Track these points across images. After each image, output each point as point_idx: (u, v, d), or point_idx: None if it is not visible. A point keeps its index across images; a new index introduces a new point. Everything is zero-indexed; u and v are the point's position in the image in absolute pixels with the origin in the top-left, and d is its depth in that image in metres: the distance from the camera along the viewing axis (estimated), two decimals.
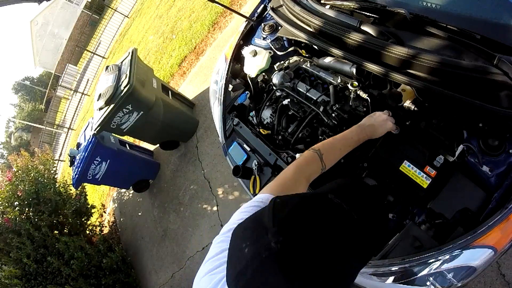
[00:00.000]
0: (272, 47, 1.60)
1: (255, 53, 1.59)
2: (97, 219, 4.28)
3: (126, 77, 2.74)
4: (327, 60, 1.37)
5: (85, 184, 3.78)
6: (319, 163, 0.86)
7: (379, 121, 1.01)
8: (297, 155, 1.23)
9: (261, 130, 1.50)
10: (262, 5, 1.82)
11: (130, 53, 2.96)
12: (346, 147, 0.94)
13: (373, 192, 0.61)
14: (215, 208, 2.94)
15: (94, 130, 2.87)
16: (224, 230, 0.64)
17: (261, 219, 0.47)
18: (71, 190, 3.78)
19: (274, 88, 1.48)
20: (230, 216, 0.70)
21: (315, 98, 1.31)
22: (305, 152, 0.89)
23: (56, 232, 3.30)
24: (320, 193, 0.52)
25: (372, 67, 1.07)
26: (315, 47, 1.36)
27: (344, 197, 0.51)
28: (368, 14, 1.22)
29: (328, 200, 0.48)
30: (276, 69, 1.54)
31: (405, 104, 1.13)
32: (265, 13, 1.80)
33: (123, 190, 4.42)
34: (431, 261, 0.90)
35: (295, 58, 1.55)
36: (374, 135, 1.00)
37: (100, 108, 2.79)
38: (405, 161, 1.02)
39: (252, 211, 0.60)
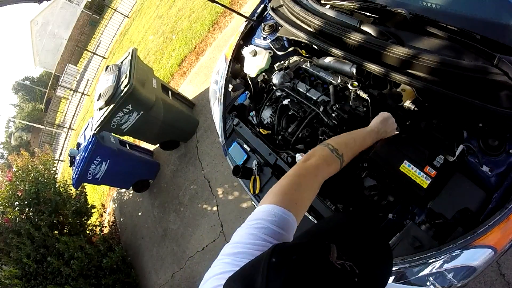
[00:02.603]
0: (272, 47, 1.60)
1: (255, 53, 1.59)
2: (97, 219, 4.28)
3: (126, 77, 2.74)
4: (327, 60, 1.37)
5: (85, 184, 3.77)
6: (338, 166, 0.76)
7: (390, 123, 1.00)
8: (297, 155, 1.23)
9: (261, 130, 1.50)
10: (262, 5, 1.82)
11: (130, 53, 2.96)
12: (359, 151, 0.88)
13: (374, 228, 0.52)
14: (215, 208, 2.94)
15: (94, 130, 2.87)
16: (227, 251, 0.53)
17: (253, 283, 0.40)
18: (71, 190, 3.77)
19: (274, 88, 1.48)
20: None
21: (315, 98, 1.31)
22: (327, 154, 0.75)
23: (56, 232, 3.30)
24: (319, 245, 0.43)
25: (372, 67, 1.07)
26: (315, 47, 1.36)
27: (344, 245, 0.44)
28: (368, 14, 1.22)
29: (329, 263, 0.40)
30: (276, 69, 1.54)
31: (405, 104, 1.13)
32: (265, 13, 1.80)
33: (123, 190, 4.42)
34: (431, 261, 0.90)
35: (295, 58, 1.55)
36: (385, 137, 1.01)
37: (100, 108, 2.79)
38: (405, 161, 1.02)
39: (259, 233, 0.53)
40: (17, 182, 3.33)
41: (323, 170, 0.71)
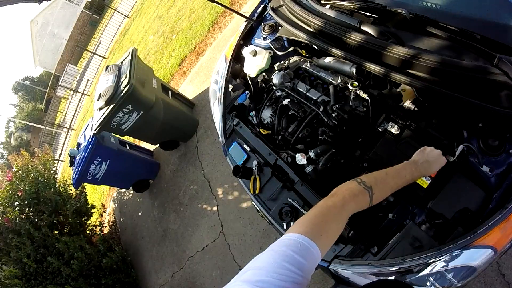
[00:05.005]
0: (272, 47, 1.60)
1: (255, 53, 1.59)
2: (97, 219, 4.28)
3: (126, 77, 2.74)
4: (327, 60, 1.37)
5: (85, 184, 3.77)
6: (367, 203, 0.74)
7: (434, 157, 0.91)
8: (297, 155, 1.23)
9: (261, 130, 1.50)
10: (262, 5, 1.82)
11: (130, 53, 2.96)
12: (397, 186, 0.83)
13: None
14: (215, 208, 2.94)
15: (94, 130, 2.87)
16: (247, 276, 0.51)
17: None
18: (71, 190, 3.77)
19: (274, 88, 1.48)
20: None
21: (315, 98, 1.31)
22: (354, 186, 0.75)
23: (56, 232, 3.30)
24: None
25: (372, 67, 1.07)
26: (315, 47, 1.36)
27: None
28: (368, 14, 1.22)
29: None
30: (276, 69, 1.54)
31: (405, 104, 1.13)
32: (265, 13, 1.80)
33: (123, 190, 4.41)
34: (431, 261, 0.90)
35: (295, 58, 1.55)
36: (428, 172, 0.90)
37: (100, 108, 2.79)
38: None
39: (282, 262, 0.52)
40: (17, 182, 3.32)
41: (350, 202, 0.70)
